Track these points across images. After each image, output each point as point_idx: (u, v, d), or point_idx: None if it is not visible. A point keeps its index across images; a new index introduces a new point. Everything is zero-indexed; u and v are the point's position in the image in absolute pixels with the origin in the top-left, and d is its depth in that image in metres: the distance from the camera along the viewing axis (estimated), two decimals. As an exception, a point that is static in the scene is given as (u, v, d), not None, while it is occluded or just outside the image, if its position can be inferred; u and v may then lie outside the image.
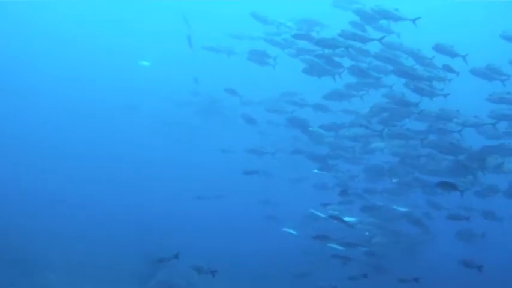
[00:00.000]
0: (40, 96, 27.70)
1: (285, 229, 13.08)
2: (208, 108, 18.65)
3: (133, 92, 24.16)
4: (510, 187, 9.75)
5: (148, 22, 28.30)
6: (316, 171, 12.10)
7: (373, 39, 9.71)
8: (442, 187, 8.94)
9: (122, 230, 15.34)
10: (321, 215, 11.65)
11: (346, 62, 10.47)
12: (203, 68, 17.90)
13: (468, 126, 9.44)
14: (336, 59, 10.43)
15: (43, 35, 29.85)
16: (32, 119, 25.82)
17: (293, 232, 12.92)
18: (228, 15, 22.50)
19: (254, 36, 13.30)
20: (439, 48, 9.97)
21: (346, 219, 9.81)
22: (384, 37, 9.71)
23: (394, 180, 10.84)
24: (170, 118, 20.81)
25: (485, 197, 10.10)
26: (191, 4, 17.41)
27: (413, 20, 9.84)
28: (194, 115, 19.33)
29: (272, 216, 14.52)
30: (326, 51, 10.25)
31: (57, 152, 22.68)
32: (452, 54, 10.00)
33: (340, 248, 9.85)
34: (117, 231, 15.15)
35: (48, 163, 21.45)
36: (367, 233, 10.59)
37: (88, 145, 23.68)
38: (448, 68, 9.87)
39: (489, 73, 9.88)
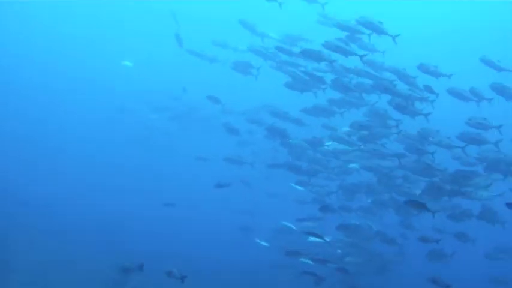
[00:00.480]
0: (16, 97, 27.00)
1: (257, 240, 13.08)
2: (187, 115, 18.40)
3: (116, 93, 23.83)
4: (483, 211, 9.82)
5: (136, 23, 28.08)
6: (293, 185, 12.09)
7: (355, 54, 9.67)
8: (411, 206, 8.93)
9: (91, 234, 14.98)
10: (293, 227, 11.63)
11: (329, 77, 10.48)
12: (185, 72, 17.70)
13: (442, 147, 9.53)
14: (319, 74, 10.44)
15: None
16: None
17: (265, 244, 12.89)
18: (218, 20, 22.39)
19: (238, 48, 13.31)
20: (423, 68, 10.02)
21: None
22: (365, 55, 9.74)
23: (368, 200, 10.89)
24: (150, 122, 20.50)
25: (459, 220, 10.15)
26: (181, 6, 17.06)
27: (393, 37, 9.78)
28: (171, 120, 19.01)
29: (246, 227, 14.44)
30: (309, 66, 10.24)
31: (28, 153, 22.06)
32: (436, 74, 10.05)
33: (311, 263, 9.82)
34: (86, 234, 14.81)
35: (20, 163, 20.84)
36: (339, 251, 10.53)
37: (61, 146, 23.17)
38: (429, 89, 9.91)
39: (466, 94, 9.95)
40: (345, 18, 10.34)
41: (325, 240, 9.77)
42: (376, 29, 9.81)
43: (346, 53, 9.67)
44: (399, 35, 9.74)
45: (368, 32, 9.92)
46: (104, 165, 21.66)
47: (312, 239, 9.84)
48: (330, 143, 10.52)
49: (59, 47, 29.89)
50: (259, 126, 12.29)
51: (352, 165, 10.73)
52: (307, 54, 9.82)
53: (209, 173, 15.54)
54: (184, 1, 22.93)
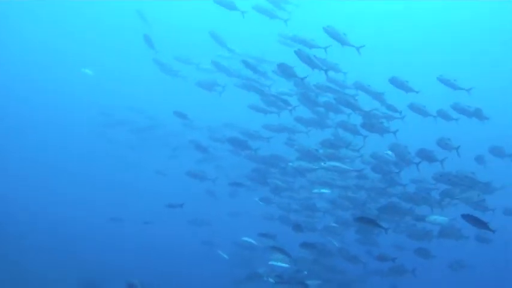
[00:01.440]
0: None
1: (220, 252, 12.96)
2: (149, 129, 18.01)
3: (76, 102, 23.22)
4: (442, 231, 9.98)
5: (100, 32, 27.48)
6: (258, 200, 12.04)
7: (321, 68, 9.63)
8: (361, 222, 8.97)
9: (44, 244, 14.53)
10: (254, 242, 11.55)
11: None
12: (148, 85, 17.40)
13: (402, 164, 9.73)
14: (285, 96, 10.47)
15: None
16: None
17: (225, 256, 12.78)
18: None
19: (200, 67, 13.21)
20: (394, 82, 10.04)
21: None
22: (327, 70, 9.76)
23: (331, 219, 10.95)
24: (111, 135, 19.98)
25: (419, 239, 10.31)
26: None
27: (358, 48, 9.84)
28: (133, 134, 18.58)
29: (208, 241, 14.30)
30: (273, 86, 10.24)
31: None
32: (407, 89, 10.07)
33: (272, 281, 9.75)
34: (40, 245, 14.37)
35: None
36: (305, 272, 10.43)
37: (19, 154, 22.37)
38: (392, 108, 10.08)
39: (425, 110, 10.07)
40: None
41: (289, 257, 9.68)
42: (341, 40, 9.80)
43: (315, 66, 9.60)
44: (363, 46, 9.82)
45: (331, 43, 9.91)
46: (60, 174, 21.08)
47: (274, 262, 9.78)
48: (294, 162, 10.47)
49: (20, 51, 28.89)
50: (222, 143, 12.14)
51: (322, 190, 10.70)
52: (282, 69, 9.73)
53: (172, 188, 15.29)
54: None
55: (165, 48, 13.64)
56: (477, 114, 10.02)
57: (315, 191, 10.73)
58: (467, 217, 7.69)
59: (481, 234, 10.87)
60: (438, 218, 9.41)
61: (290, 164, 10.62)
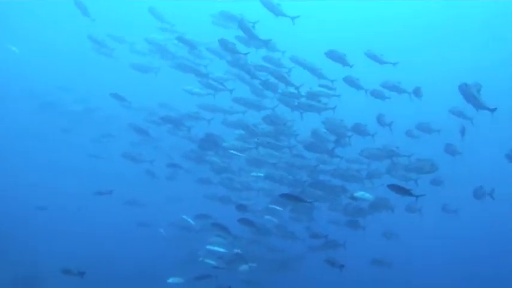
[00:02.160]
0: None
1: (161, 230, 13.02)
2: (81, 112, 17.18)
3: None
4: (372, 205, 10.43)
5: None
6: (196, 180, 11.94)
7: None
8: (286, 198, 9.20)
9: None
10: (192, 222, 11.56)
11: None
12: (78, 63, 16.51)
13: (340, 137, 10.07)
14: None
15: None
16: None
17: (162, 231, 12.94)
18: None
19: (134, 49, 12.87)
20: (331, 55, 10.10)
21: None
22: (247, 53, 9.80)
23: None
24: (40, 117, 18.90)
25: (353, 215, 10.70)
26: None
27: (292, 18, 9.90)
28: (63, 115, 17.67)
29: (145, 223, 14.14)
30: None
31: None
32: (344, 63, 10.16)
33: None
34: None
35: None
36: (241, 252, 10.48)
37: None
38: (328, 87, 10.18)
39: (358, 83, 10.27)
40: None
41: (229, 234, 9.71)
42: (275, 10, 9.82)
43: (253, 37, 9.71)
44: (298, 16, 9.91)
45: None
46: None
47: (211, 247, 9.82)
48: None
49: None
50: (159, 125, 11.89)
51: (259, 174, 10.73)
52: (223, 44, 9.58)
53: (108, 170, 14.84)
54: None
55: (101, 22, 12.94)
56: (416, 92, 10.34)
57: (253, 174, 10.75)
58: (392, 187, 8.10)
59: (411, 205, 11.47)
60: (365, 194, 9.71)
61: (224, 144, 10.59)
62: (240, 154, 10.44)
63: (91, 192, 11.76)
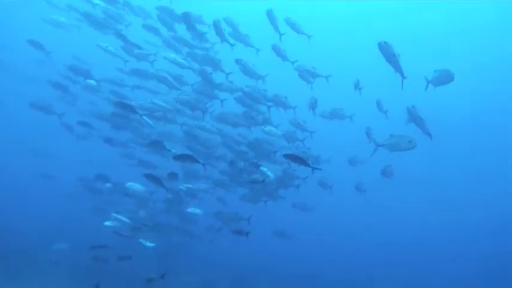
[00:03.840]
0: None
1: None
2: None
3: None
4: (278, 181, 10.84)
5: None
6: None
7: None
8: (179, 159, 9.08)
9: None
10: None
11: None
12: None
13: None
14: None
15: None
16: None
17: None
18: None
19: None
20: (275, 49, 10.31)
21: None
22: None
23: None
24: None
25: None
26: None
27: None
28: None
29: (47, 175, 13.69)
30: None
31: None
32: (284, 58, 10.42)
33: None
34: None
35: None
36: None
37: None
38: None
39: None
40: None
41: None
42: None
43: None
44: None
45: None
46: None
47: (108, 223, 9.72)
48: None
49: None
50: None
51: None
52: (185, 18, 9.68)
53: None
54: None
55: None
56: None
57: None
58: (288, 156, 8.23)
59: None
60: (267, 171, 9.82)
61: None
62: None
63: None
